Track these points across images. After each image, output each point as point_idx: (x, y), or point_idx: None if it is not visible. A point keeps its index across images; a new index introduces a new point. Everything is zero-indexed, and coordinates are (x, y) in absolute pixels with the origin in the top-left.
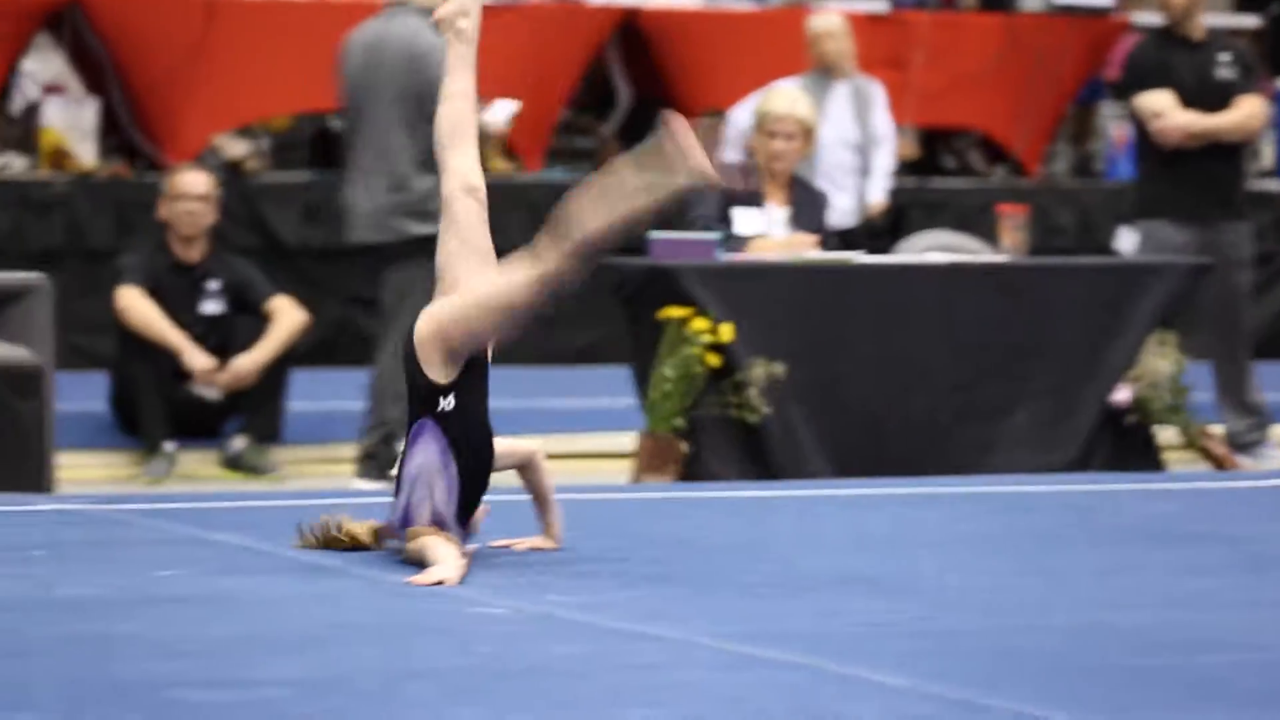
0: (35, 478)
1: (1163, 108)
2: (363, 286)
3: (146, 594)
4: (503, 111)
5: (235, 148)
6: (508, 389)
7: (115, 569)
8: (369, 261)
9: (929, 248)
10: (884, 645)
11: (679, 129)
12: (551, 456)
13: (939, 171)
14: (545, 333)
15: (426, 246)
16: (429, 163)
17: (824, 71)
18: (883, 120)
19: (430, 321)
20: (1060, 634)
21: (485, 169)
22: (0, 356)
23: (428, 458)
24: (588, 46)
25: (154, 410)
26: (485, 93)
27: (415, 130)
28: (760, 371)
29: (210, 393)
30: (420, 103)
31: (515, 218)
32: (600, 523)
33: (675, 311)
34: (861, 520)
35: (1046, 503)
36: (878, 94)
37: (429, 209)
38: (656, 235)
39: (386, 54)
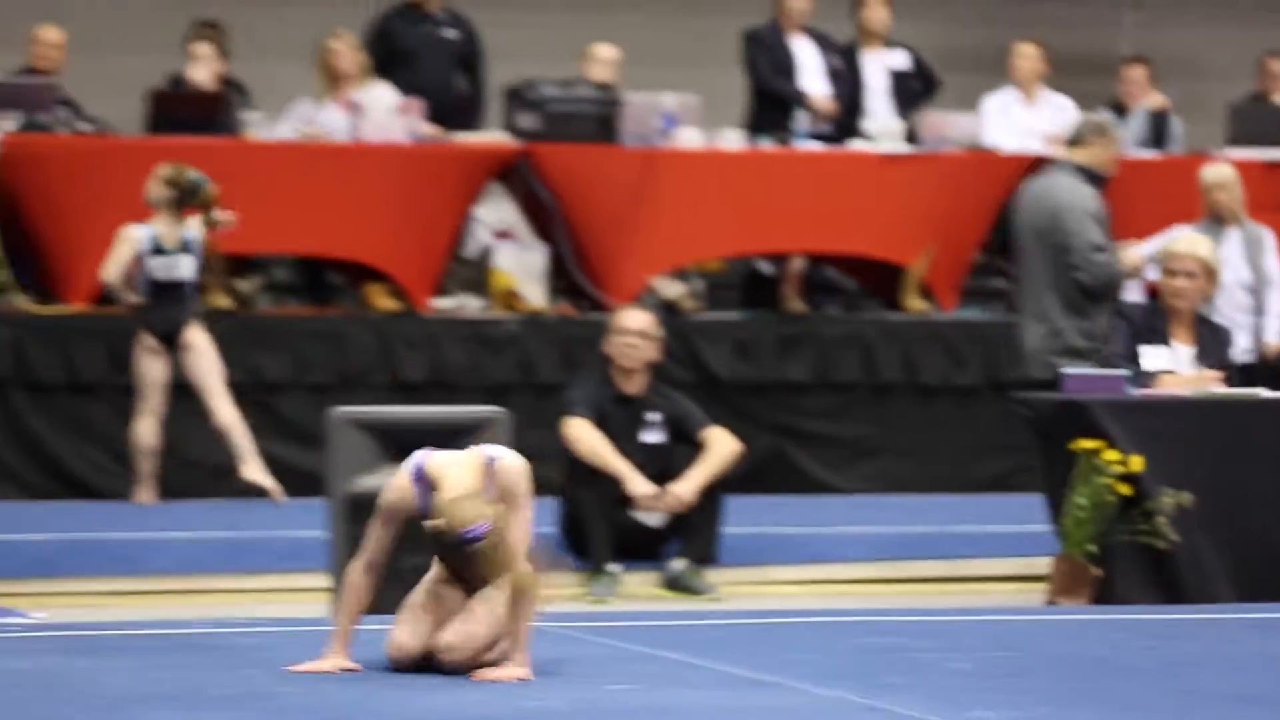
0: None
1: None
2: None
3: (601, 707)
4: None
5: (672, 289)
6: (924, 515)
7: (572, 683)
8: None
9: None
10: None
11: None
12: (967, 579)
13: None
14: (961, 462)
15: None
16: (1075, 307)
17: (1216, 219)
18: (1273, 264)
19: None
20: None
21: (904, 308)
22: None
23: None
24: (999, 192)
25: (600, 534)
26: (900, 238)
27: (1060, 278)
28: (1169, 500)
29: (652, 518)
30: (1058, 253)
31: (932, 354)
32: (1019, 642)
33: (1087, 443)
34: (1270, 644)
35: None
36: (1268, 239)
37: (1077, 347)
38: (1070, 371)
39: (1038, 207)
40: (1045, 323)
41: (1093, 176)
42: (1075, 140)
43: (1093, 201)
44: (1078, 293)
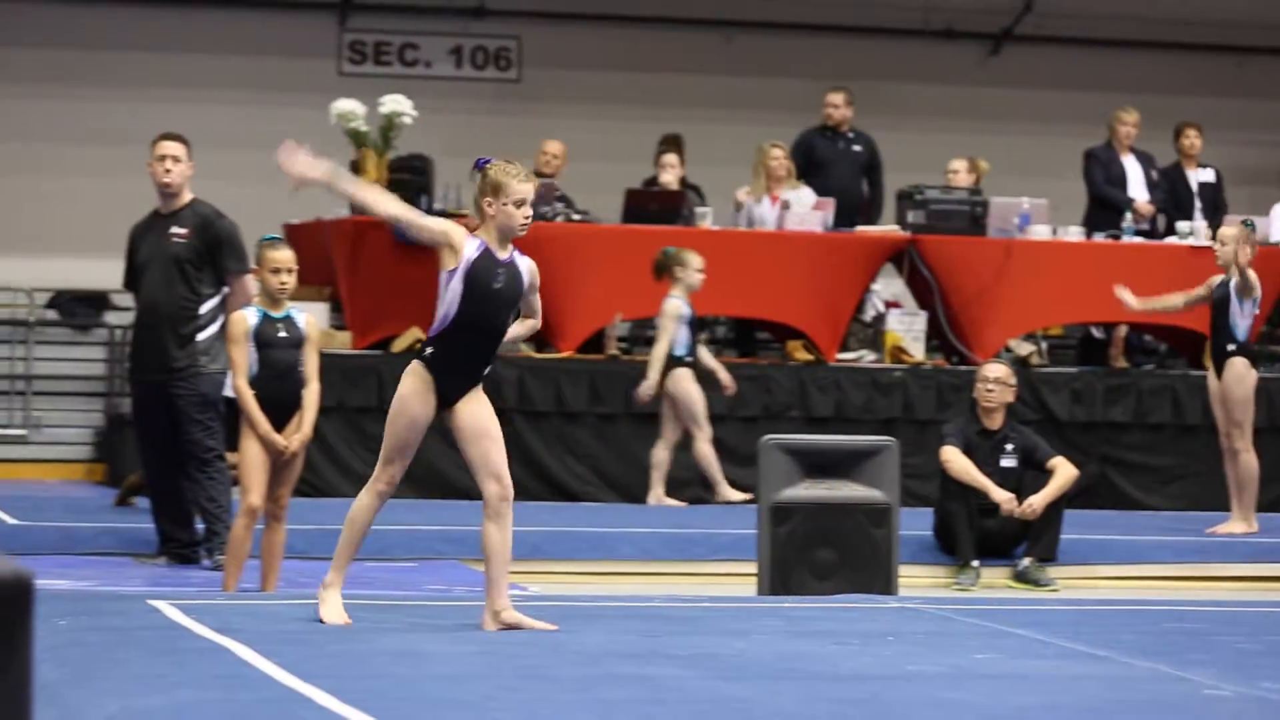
0: (885, 583)
1: None
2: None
3: (967, 671)
4: None
5: (1024, 348)
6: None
7: (945, 652)
8: None
9: None
10: None
11: None
12: (1254, 579)
13: None
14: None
15: None
16: None
17: None
18: None
19: None
20: None
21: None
22: (862, 497)
23: None
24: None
25: (966, 536)
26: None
27: None
28: None
29: (1007, 523)
30: None
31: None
32: None
33: None
34: None
35: None
36: None
37: None
38: None
39: None
40: None
41: None
42: None
43: None
44: None
